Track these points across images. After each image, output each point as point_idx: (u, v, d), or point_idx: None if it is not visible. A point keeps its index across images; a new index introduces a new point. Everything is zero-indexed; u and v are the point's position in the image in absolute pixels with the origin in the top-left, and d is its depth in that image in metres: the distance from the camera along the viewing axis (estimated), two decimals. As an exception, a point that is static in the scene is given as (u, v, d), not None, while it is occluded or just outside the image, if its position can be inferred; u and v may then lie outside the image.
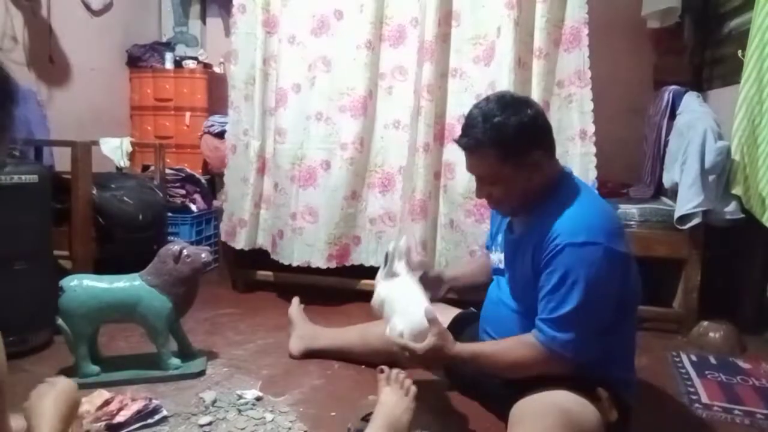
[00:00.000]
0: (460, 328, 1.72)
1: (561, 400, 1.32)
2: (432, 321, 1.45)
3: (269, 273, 2.87)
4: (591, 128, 2.37)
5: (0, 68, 0.73)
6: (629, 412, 1.45)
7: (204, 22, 4.29)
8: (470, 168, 1.46)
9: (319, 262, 2.63)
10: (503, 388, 1.50)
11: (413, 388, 1.42)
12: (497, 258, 1.64)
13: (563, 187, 1.44)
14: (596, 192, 1.68)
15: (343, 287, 2.71)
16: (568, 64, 2.39)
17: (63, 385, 1.13)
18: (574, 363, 1.35)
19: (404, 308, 1.54)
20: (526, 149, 1.38)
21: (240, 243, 2.79)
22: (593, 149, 2.38)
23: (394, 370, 1.39)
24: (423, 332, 1.46)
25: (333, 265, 2.65)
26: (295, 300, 2.21)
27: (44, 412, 1.02)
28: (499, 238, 1.64)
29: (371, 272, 2.65)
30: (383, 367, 1.40)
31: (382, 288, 1.63)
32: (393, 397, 1.39)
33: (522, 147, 1.37)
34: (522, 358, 1.39)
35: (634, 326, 1.52)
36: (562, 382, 1.36)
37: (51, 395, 1.06)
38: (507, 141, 1.36)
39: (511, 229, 1.58)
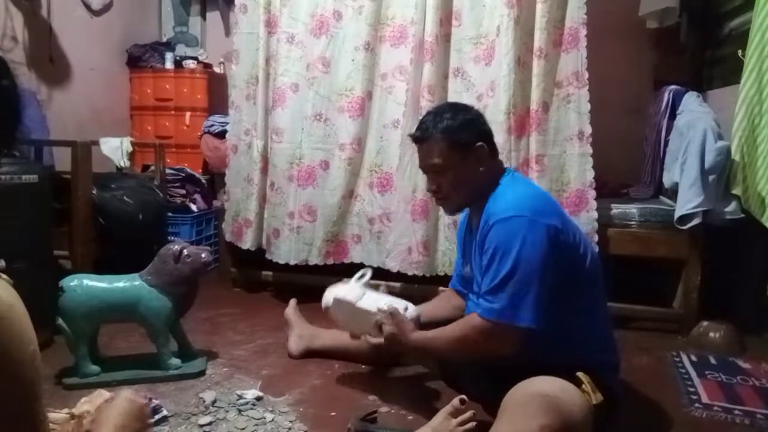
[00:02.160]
0: None
1: (543, 386, 1.35)
2: (393, 314, 1.62)
3: (269, 273, 2.87)
4: (588, 129, 2.38)
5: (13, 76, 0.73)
6: (616, 396, 1.47)
7: (204, 17, 4.29)
8: (422, 159, 1.61)
9: (317, 259, 2.64)
10: (492, 383, 1.53)
11: None
12: (468, 269, 1.70)
13: (506, 182, 1.56)
14: (536, 185, 1.85)
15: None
16: (567, 65, 2.39)
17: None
18: (518, 334, 1.39)
19: (392, 299, 1.74)
20: (471, 140, 1.55)
21: (247, 243, 2.79)
22: (590, 150, 2.38)
23: (469, 412, 1.41)
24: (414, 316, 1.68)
25: (330, 261, 2.66)
26: (292, 302, 2.21)
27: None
28: (465, 251, 1.72)
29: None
30: (464, 398, 1.43)
31: (355, 288, 1.78)
32: (444, 425, 1.40)
33: (466, 137, 1.55)
34: (465, 335, 1.47)
35: (601, 307, 1.58)
36: (545, 371, 1.39)
37: (115, 407, 0.99)
38: (454, 131, 1.54)
39: (471, 231, 1.67)
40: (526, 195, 1.51)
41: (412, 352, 1.70)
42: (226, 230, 2.89)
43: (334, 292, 1.78)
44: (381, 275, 2.66)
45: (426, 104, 2.46)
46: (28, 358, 0.60)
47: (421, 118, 1.67)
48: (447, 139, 1.54)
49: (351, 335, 1.82)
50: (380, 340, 1.62)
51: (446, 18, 2.47)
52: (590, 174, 2.39)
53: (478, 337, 1.44)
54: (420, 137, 1.59)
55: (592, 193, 2.39)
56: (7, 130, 0.73)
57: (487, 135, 1.60)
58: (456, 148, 1.54)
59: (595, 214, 2.38)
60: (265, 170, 2.76)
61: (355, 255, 2.68)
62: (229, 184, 2.87)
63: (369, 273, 1.85)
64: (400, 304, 1.71)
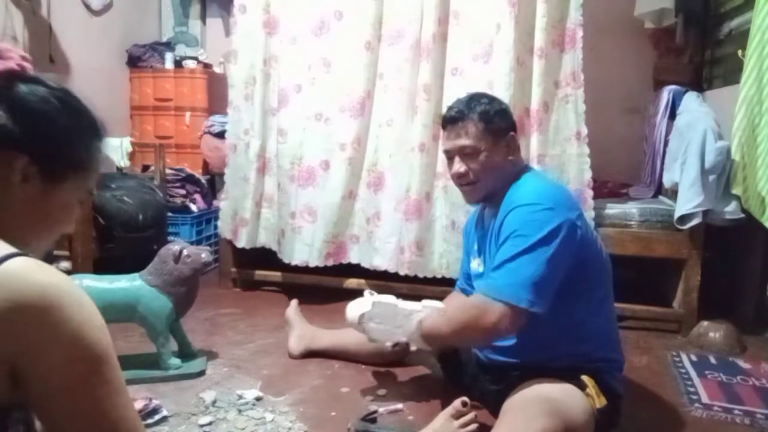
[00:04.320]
0: None
1: (546, 390, 1.35)
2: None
3: (269, 273, 2.86)
4: (584, 129, 2.39)
5: (84, 106, 0.80)
6: (618, 398, 1.47)
7: (204, 22, 4.29)
8: (452, 140, 1.56)
9: (317, 261, 2.64)
10: (495, 384, 1.55)
11: None
12: (476, 263, 1.69)
13: (528, 175, 1.57)
14: (556, 180, 1.85)
15: (343, 287, 2.71)
16: (565, 65, 2.39)
17: None
18: (516, 314, 1.35)
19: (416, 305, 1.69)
20: (504, 128, 1.56)
21: (242, 242, 2.80)
22: (587, 150, 2.39)
23: (471, 414, 1.41)
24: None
25: (330, 263, 2.66)
26: (293, 302, 2.21)
27: None
28: (475, 246, 1.70)
29: (370, 271, 2.66)
30: (466, 400, 1.42)
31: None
32: (446, 427, 1.40)
33: (500, 124, 1.55)
34: (466, 311, 1.44)
35: (610, 305, 1.57)
36: (550, 373, 1.39)
37: None
38: (489, 116, 1.54)
39: (483, 225, 1.65)
40: (549, 187, 1.52)
41: (423, 338, 1.62)
42: (225, 229, 2.86)
43: (365, 300, 1.71)
44: (378, 277, 2.66)
45: (422, 103, 2.46)
46: (93, 329, 0.67)
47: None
48: (483, 122, 1.53)
49: (386, 346, 1.75)
50: (422, 345, 1.60)
51: (445, 16, 2.47)
52: (588, 174, 2.40)
53: (478, 312, 1.39)
54: (455, 117, 1.55)
55: (590, 193, 2.40)
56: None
57: (515, 127, 1.62)
58: (491, 133, 1.53)
59: (593, 213, 2.39)
60: (261, 170, 2.75)
61: (352, 255, 2.68)
62: (228, 183, 2.86)
63: (375, 293, 1.84)
64: (436, 303, 1.69)
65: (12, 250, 0.67)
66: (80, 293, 0.68)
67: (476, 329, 1.41)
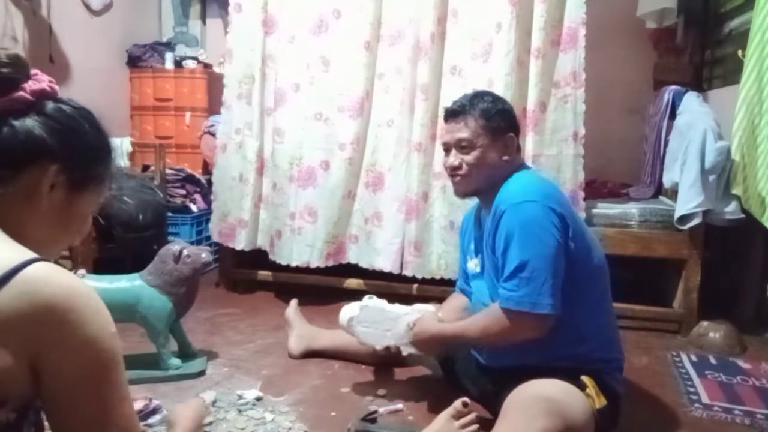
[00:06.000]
0: None
1: (546, 389, 1.35)
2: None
3: (269, 273, 2.86)
4: (582, 130, 2.38)
5: (102, 125, 0.87)
6: (618, 398, 1.47)
7: (204, 22, 4.29)
8: (450, 133, 1.60)
9: (318, 261, 2.63)
10: (494, 383, 1.55)
11: None
12: (473, 264, 1.70)
13: (517, 175, 1.57)
14: (548, 178, 1.87)
15: (342, 287, 2.71)
16: (564, 65, 2.38)
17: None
18: (539, 320, 1.39)
19: (406, 309, 1.74)
20: (504, 127, 1.58)
21: (240, 243, 2.76)
22: (582, 151, 2.39)
23: (472, 414, 1.41)
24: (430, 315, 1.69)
25: (330, 263, 2.66)
26: (293, 302, 2.21)
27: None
28: (472, 246, 1.71)
29: (370, 271, 2.66)
30: (467, 400, 1.43)
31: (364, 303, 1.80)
32: (446, 428, 1.40)
33: (501, 124, 1.58)
34: (490, 324, 1.47)
35: (608, 305, 1.58)
36: (549, 374, 1.40)
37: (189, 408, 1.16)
38: (490, 114, 1.57)
39: (479, 225, 1.67)
40: (537, 182, 1.53)
41: (445, 341, 1.63)
42: (214, 230, 2.85)
43: (356, 304, 1.77)
44: (378, 277, 2.66)
45: (420, 103, 2.46)
46: (108, 336, 0.72)
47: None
48: (483, 118, 1.56)
49: (376, 350, 1.76)
50: (412, 349, 1.66)
51: (444, 15, 2.47)
52: (581, 175, 2.40)
53: (502, 325, 1.43)
54: (456, 110, 1.59)
55: (582, 194, 2.41)
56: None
57: (517, 128, 1.63)
58: (488, 130, 1.55)
59: (584, 214, 2.39)
60: (260, 170, 2.74)
61: (351, 256, 2.68)
62: (217, 184, 2.83)
63: (374, 297, 1.86)
64: (428, 306, 1.75)
65: (33, 255, 0.71)
66: (98, 300, 0.73)
67: (506, 340, 1.46)
